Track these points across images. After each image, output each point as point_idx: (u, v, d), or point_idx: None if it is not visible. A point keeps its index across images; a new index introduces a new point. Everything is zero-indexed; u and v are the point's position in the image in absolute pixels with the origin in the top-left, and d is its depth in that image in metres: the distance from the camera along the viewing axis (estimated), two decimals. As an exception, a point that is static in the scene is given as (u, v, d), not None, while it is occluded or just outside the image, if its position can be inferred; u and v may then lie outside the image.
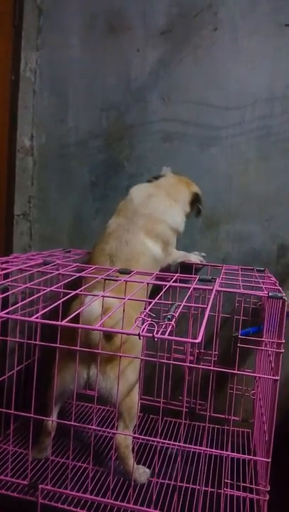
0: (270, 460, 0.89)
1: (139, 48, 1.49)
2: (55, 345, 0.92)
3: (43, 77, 1.56)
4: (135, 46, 1.49)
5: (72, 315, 0.80)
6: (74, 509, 0.95)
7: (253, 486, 0.97)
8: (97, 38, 1.52)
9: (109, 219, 1.30)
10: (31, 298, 0.87)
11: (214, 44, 1.43)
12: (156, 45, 1.47)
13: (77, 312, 0.82)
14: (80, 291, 0.92)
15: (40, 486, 0.96)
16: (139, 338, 0.73)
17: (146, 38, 1.48)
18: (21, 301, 0.88)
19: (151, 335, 0.71)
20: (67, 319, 0.77)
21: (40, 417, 1.00)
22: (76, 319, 0.84)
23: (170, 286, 0.94)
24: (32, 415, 0.95)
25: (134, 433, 1.03)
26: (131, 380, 1.03)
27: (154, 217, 1.26)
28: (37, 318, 0.78)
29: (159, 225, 1.25)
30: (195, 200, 1.36)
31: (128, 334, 0.82)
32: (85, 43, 1.53)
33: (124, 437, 1.03)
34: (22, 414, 0.96)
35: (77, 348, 0.93)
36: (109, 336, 0.97)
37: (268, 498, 0.90)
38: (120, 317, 0.93)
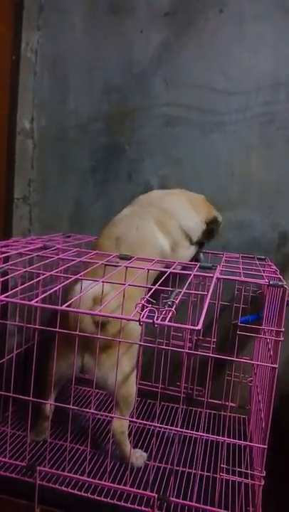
0: (266, 446, 0.90)
1: (143, 30, 1.45)
2: (54, 329, 0.92)
3: (44, 58, 1.53)
4: (138, 28, 1.46)
5: (69, 302, 0.79)
6: (71, 490, 0.96)
7: (249, 472, 0.99)
8: (99, 19, 1.48)
9: (112, 205, 1.29)
10: (31, 282, 0.87)
11: (219, 27, 1.40)
12: (159, 27, 1.44)
13: (72, 300, 0.82)
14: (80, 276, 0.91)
15: (38, 468, 0.97)
16: (140, 324, 0.73)
17: (149, 20, 1.44)
18: (21, 285, 0.88)
19: (151, 321, 0.71)
20: (65, 305, 0.77)
21: (39, 401, 1.01)
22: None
23: (170, 273, 0.94)
24: (31, 398, 0.95)
25: (132, 417, 1.04)
26: (127, 370, 1.02)
27: (168, 212, 1.24)
28: (37, 302, 0.78)
29: (170, 221, 1.24)
30: (212, 223, 1.33)
31: (128, 320, 0.81)
32: (87, 23, 1.50)
33: (120, 424, 1.03)
34: (21, 397, 0.96)
35: (76, 332, 0.92)
36: (102, 325, 0.94)
37: (263, 483, 0.91)
38: (115, 306, 0.92)
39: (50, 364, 1.02)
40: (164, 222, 1.23)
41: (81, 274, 0.92)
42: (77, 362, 0.99)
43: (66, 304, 0.79)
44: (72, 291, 0.96)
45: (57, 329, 0.91)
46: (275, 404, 0.90)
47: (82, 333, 0.93)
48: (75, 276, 0.89)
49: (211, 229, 1.33)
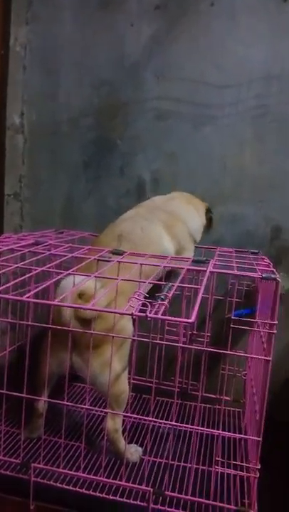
0: (260, 439, 0.91)
1: (133, 23, 1.44)
2: (46, 325, 0.91)
3: (33, 52, 1.51)
4: (129, 21, 1.44)
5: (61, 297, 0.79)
6: (66, 486, 0.96)
7: (244, 464, 0.99)
8: (89, 12, 1.47)
9: (105, 201, 1.27)
10: (23, 277, 0.86)
11: (211, 20, 1.39)
12: (150, 20, 1.43)
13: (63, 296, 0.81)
14: (73, 271, 0.90)
15: (32, 465, 0.97)
16: (132, 318, 0.73)
17: (140, 13, 1.43)
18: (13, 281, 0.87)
19: (144, 314, 0.70)
20: (58, 299, 0.76)
21: (32, 397, 1.00)
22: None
23: (164, 267, 0.93)
24: (24, 395, 0.95)
25: (127, 413, 1.03)
26: (117, 370, 1.00)
27: (176, 215, 1.25)
28: (28, 297, 0.77)
29: (179, 225, 1.24)
30: (208, 212, 1.37)
31: (121, 314, 0.81)
32: (77, 17, 1.48)
33: (113, 423, 1.03)
34: (14, 394, 0.95)
35: (55, 326, 0.90)
36: (86, 322, 0.92)
37: (258, 475, 0.91)
38: (105, 304, 0.91)
39: (41, 361, 1.01)
40: (172, 225, 1.23)
41: (73, 269, 0.91)
42: (64, 359, 0.98)
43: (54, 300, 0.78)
44: (57, 286, 0.95)
45: (49, 325, 0.90)
46: (269, 399, 0.90)
47: (61, 327, 0.90)
48: (67, 272, 0.88)
49: (210, 217, 1.36)
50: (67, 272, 0.89)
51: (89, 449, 1.08)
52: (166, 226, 1.22)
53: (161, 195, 1.34)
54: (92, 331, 0.90)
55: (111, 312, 0.89)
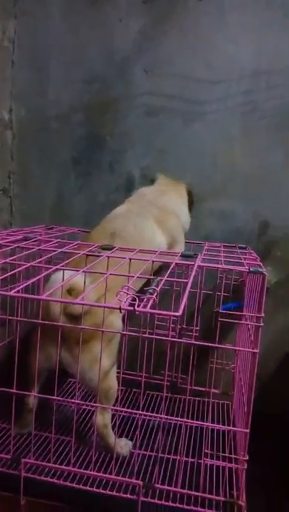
0: (248, 430, 0.92)
1: (122, 18, 1.44)
2: (36, 320, 0.91)
3: (21, 48, 1.50)
4: (117, 16, 1.44)
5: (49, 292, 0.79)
6: (57, 481, 0.96)
7: (232, 456, 1.00)
8: (77, 7, 1.46)
9: (95, 197, 1.27)
10: (11, 272, 0.86)
11: (199, 15, 1.39)
12: (138, 15, 1.43)
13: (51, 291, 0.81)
14: (61, 266, 0.90)
15: (23, 460, 0.97)
16: (120, 312, 0.73)
17: (128, 8, 1.43)
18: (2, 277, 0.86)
19: (132, 308, 0.71)
20: (46, 293, 0.76)
21: (22, 392, 1.00)
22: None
23: (152, 261, 0.94)
24: (14, 391, 0.95)
25: (117, 406, 1.04)
26: (106, 365, 0.99)
27: (168, 209, 1.26)
28: (17, 292, 0.77)
29: (172, 219, 1.25)
30: (189, 195, 1.38)
31: (109, 308, 0.81)
32: (66, 12, 1.47)
33: (102, 418, 1.03)
34: (3, 389, 0.95)
35: (60, 323, 0.91)
36: (75, 318, 0.92)
37: (246, 467, 0.92)
38: (94, 299, 0.91)
39: (30, 356, 1.01)
40: (165, 220, 1.24)
41: (62, 264, 0.92)
42: (53, 354, 0.98)
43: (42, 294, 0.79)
44: (47, 281, 0.95)
45: (39, 321, 0.91)
46: (257, 391, 0.91)
47: (66, 324, 0.91)
48: (56, 267, 0.88)
49: (192, 201, 1.38)
50: (56, 267, 0.89)
51: (79, 444, 1.09)
52: (159, 221, 1.23)
53: (149, 186, 1.34)
54: (81, 326, 0.90)
55: (99, 306, 0.89)
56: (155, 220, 1.23)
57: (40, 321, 0.91)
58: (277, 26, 1.36)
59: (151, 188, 1.34)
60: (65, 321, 0.92)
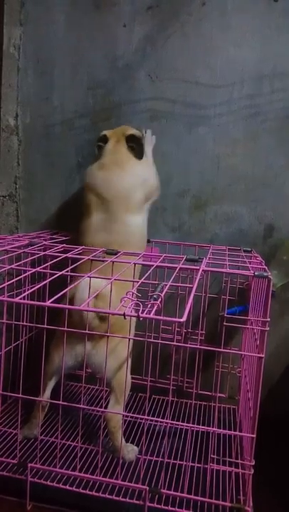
0: (255, 435, 0.91)
1: (126, 24, 1.45)
2: (42, 326, 0.92)
3: (27, 54, 1.52)
4: (121, 22, 1.45)
5: (58, 295, 0.79)
6: (63, 486, 0.97)
7: (239, 461, 1.00)
8: (82, 13, 1.47)
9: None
10: (17, 278, 0.87)
11: (202, 20, 1.40)
12: (142, 20, 1.43)
13: (62, 292, 0.82)
14: (67, 271, 0.91)
15: (29, 465, 0.97)
16: (124, 318, 0.73)
17: (132, 13, 1.44)
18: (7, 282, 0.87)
19: (136, 314, 0.71)
20: (51, 300, 0.77)
21: (29, 397, 1.00)
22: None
23: (157, 266, 0.94)
24: (20, 395, 0.95)
25: (123, 411, 1.04)
26: (122, 356, 1.06)
27: (123, 198, 1.21)
28: (22, 299, 0.78)
29: (132, 201, 1.22)
30: (131, 141, 1.28)
31: (113, 314, 0.82)
32: (70, 18, 1.48)
33: (114, 413, 1.04)
34: (10, 394, 0.96)
35: (65, 328, 0.93)
36: (103, 317, 1.00)
37: (252, 472, 0.92)
38: (112, 299, 0.93)
39: (50, 355, 1.06)
40: (128, 205, 1.21)
41: (67, 270, 0.92)
42: (78, 350, 1.04)
43: (55, 298, 0.79)
44: (76, 288, 0.96)
45: (44, 326, 0.91)
46: (263, 397, 0.91)
47: (71, 329, 0.93)
48: (60, 272, 0.89)
49: (132, 146, 1.29)
50: (61, 273, 0.89)
51: (85, 449, 1.09)
52: (126, 209, 1.21)
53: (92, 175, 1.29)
54: (108, 334, 0.92)
55: (105, 313, 0.90)
56: (124, 212, 1.21)
57: (45, 326, 0.92)
58: (280, 30, 1.36)
59: (93, 175, 1.29)
60: (97, 322, 1.01)
